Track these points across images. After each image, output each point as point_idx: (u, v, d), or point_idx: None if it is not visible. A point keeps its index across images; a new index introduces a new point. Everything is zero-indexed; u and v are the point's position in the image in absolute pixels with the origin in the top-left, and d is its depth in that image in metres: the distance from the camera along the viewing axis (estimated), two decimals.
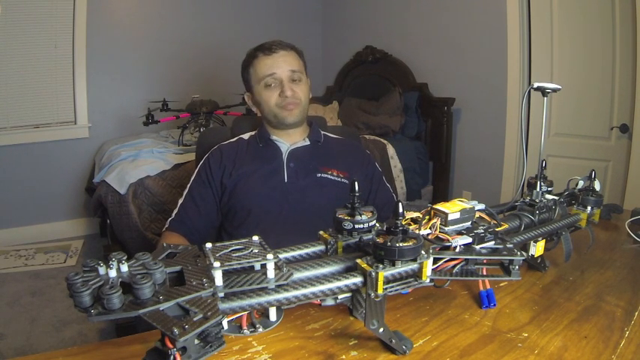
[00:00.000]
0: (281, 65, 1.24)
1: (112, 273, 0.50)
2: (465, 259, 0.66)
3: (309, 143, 1.32)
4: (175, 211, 1.27)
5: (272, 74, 1.24)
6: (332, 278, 0.60)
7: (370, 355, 0.63)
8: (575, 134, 2.58)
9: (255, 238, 0.63)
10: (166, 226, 1.26)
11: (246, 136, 1.38)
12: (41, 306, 2.40)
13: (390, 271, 0.58)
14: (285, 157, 1.28)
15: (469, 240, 0.65)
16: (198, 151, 1.51)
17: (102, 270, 0.50)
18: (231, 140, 1.37)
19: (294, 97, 1.25)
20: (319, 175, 1.26)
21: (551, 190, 0.90)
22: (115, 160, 2.62)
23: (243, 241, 0.63)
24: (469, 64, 3.06)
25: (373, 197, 1.32)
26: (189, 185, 1.30)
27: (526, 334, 0.69)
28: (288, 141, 1.31)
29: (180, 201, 1.29)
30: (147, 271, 0.51)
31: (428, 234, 0.67)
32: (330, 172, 1.27)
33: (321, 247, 0.71)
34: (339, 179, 1.26)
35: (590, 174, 0.95)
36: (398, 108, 3.19)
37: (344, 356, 0.63)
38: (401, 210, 0.60)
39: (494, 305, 0.76)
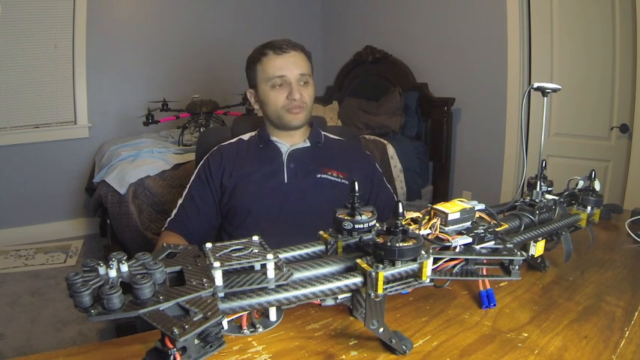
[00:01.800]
0: (291, 67, 1.22)
1: (112, 273, 0.50)
2: (465, 259, 0.66)
3: (309, 145, 1.32)
4: (175, 212, 1.27)
5: (282, 76, 1.22)
6: (332, 278, 0.60)
7: (370, 355, 0.63)
8: (575, 134, 2.58)
9: (255, 238, 0.63)
10: (165, 226, 1.26)
11: (245, 136, 1.37)
12: (41, 306, 2.40)
13: (390, 271, 0.58)
14: (285, 157, 1.28)
15: (469, 240, 0.65)
16: (198, 151, 1.51)
17: (102, 270, 0.50)
18: (231, 141, 1.37)
19: (301, 101, 1.24)
20: (319, 175, 1.26)
21: (551, 190, 0.90)
22: (115, 160, 2.63)
23: (243, 241, 0.63)
24: (469, 64, 3.06)
25: (374, 199, 1.32)
26: (188, 186, 1.30)
27: (526, 334, 0.69)
28: (289, 142, 1.31)
29: (180, 201, 1.29)
30: (147, 271, 0.51)
31: (428, 234, 0.67)
32: (330, 173, 1.27)
33: (321, 247, 0.71)
34: (338, 180, 1.26)
35: (590, 174, 0.95)
36: (398, 108, 3.19)
37: (344, 356, 0.63)
38: (401, 210, 0.60)
39: (494, 305, 0.76)
